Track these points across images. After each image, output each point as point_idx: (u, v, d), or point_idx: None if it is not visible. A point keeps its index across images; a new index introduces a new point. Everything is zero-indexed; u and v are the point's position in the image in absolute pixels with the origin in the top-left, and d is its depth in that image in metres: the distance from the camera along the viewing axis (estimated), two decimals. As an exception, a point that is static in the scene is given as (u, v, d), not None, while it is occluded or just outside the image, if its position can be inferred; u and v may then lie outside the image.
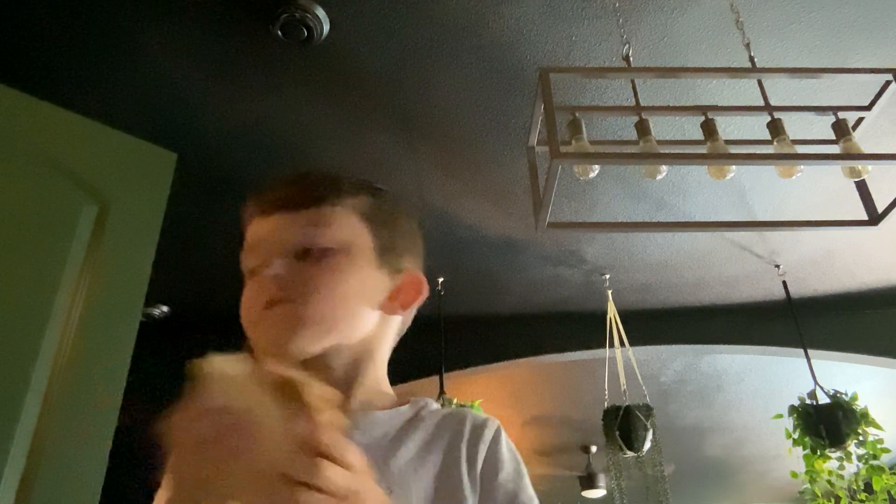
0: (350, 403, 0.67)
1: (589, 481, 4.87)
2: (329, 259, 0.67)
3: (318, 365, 0.66)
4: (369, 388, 0.70)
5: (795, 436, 2.63)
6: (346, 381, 0.68)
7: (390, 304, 0.72)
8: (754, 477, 5.76)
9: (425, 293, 0.76)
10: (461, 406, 2.56)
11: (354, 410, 0.66)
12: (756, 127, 1.80)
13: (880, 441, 2.56)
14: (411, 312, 0.77)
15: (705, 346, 3.24)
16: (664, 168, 1.33)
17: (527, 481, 0.71)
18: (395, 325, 0.75)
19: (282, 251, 0.67)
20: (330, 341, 0.67)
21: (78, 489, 1.30)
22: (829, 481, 2.63)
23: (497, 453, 0.70)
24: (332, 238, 0.68)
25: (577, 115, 1.37)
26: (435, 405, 0.74)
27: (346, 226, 0.70)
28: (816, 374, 2.70)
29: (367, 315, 0.70)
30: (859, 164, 1.31)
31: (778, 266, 2.87)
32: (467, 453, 0.68)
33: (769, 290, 3.03)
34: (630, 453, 2.63)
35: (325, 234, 0.68)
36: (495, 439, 0.70)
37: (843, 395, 2.61)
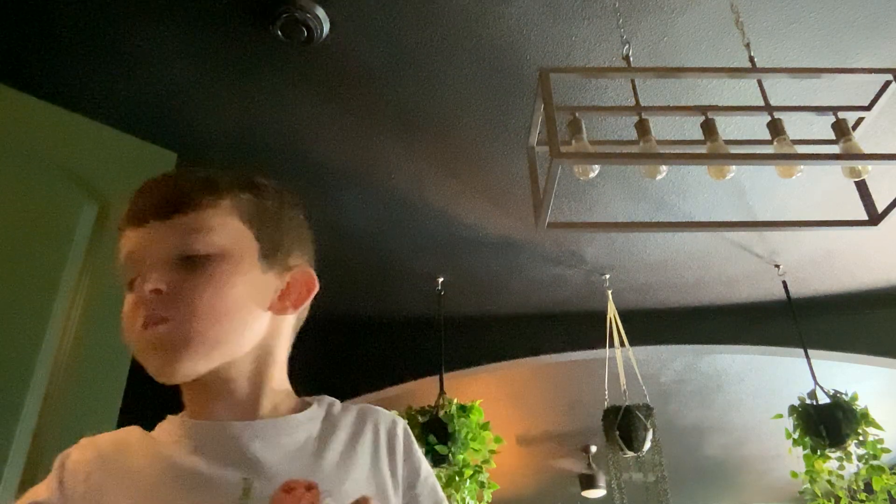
0: (260, 410, 0.66)
1: (589, 481, 4.86)
2: (209, 267, 0.62)
3: (217, 381, 0.64)
4: (276, 392, 0.68)
5: (795, 436, 2.63)
6: (251, 389, 0.66)
7: (281, 305, 0.69)
8: (754, 477, 5.76)
9: (316, 288, 0.72)
10: (451, 402, 2.56)
11: (266, 417, 0.65)
12: (756, 127, 1.80)
13: (880, 441, 2.56)
14: (305, 308, 0.74)
15: (705, 346, 3.24)
16: (664, 168, 1.33)
17: (433, 476, 0.74)
18: (291, 323, 0.72)
19: (157, 262, 0.62)
20: (220, 358, 0.63)
21: (78, 489, 1.30)
22: (829, 481, 2.62)
23: (414, 451, 0.72)
24: (212, 244, 0.63)
25: (577, 115, 1.37)
26: (338, 403, 0.73)
27: (226, 229, 0.65)
28: (816, 374, 2.70)
29: (257, 320, 0.66)
30: (859, 164, 1.31)
31: (778, 266, 2.87)
32: (388, 452, 0.69)
33: (769, 290, 3.03)
34: (630, 453, 2.63)
35: (204, 240, 0.63)
36: (407, 436, 0.72)
37: (843, 395, 2.61)
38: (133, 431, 0.67)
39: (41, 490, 0.62)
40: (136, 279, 0.62)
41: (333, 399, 0.73)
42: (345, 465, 0.65)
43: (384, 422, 0.72)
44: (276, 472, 0.60)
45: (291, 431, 0.65)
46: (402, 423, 0.73)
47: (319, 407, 0.70)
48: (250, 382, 0.66)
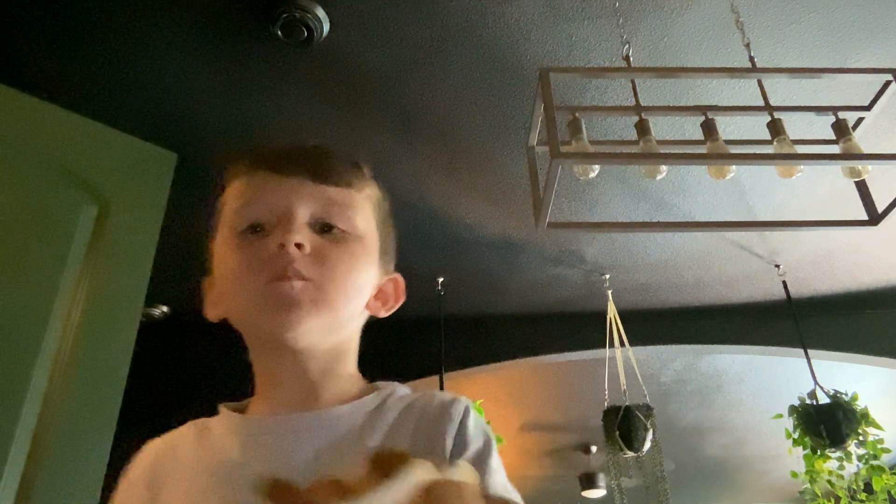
0: (320, 401, 0.64)
1: (589, 481, 4.87)
2: (349, 244, 0.64)
3: (292, 364, 0.64)
4: (340, 382, 0.67)
5: (795, 436, 2.63)
6: (321, 376, 0.65)
7: (375, 305, 0.70)
8: (754, 477, 5.76)
9: (404, 297, 0.74)
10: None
11: (321, 408, 0.64)
12: (756, 127, 1.80)
13: (880, 441, 2.56)
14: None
15: (705, 346, 3.24)
16: (664, 168, 1.33)
17: (493, 461, 0.63)
18: (364, 319, 0.72)
19: (301, 220, 0.62)
20: (331, 338, 0.64)
21: (78, 489, 1.30)
22: (829, 481, 2.63)
23: (464, 435, 0.63)
24: (355, 223, 0.65)
25: (577, 115, 1.37)
26: (403, 390, 0.69)
27: (366, 215, 0.68)
28: (816, 374, 2.70)
29: (362, 312, 0.68)
30: (859, 164, 1.31)
31: (778, 266, 2.87)
32: (433, 437, 0.62)
33: (769, 290, 3.03)
34: (630, 453, 2.63)
35: (349, 217, 0.65)
36: (462, 421, 0.64)
37: (843, 395, 2.61)
38: (191, 427, 0.67)
39: None
40: (272, 226, 0.62)
41: (398, 386, 0.69)
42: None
43: (435, 408, 0.64)
44: (306, 470, 0.58)
45: (330, 425, 0.63)
46: (458, 407, 0.64)
47: (377, 396, 0.66)
48: (323, 370, 0.65)
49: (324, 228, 0.63)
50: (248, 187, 0.66)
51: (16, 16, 1.61)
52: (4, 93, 1.47)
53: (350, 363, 0.69)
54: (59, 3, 1.59)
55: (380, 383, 0.70)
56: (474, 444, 0.64)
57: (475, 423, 0.65)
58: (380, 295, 0.70)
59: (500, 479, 0.63)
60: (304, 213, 0.63)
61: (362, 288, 0.66)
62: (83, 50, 1.71)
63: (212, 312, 0.69)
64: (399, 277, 0.74)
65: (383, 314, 0.72)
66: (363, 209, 0.67)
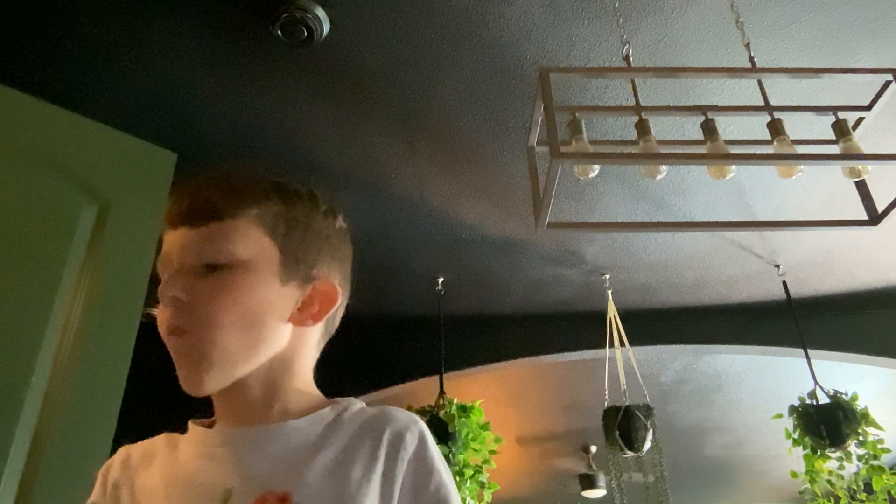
0: (270, 416, 0.66)
1: (589, 481, 4.87)
2: (228, 277, 0.64)
3: (235, 388, 0.66)
4: (293, 398, 0.69)
5: (795, 436, 2.63)
6: (264, 396, 0.67)
7: (301, 317, 0.69)
8: (754, 477, 5.76)
9: (339, 301, 0.72)
10: (451, 402, 2.56)
11: (273, 421, 0.66)
12: (756, 127, 1.80)
13: (880, 441, 2.55)
14: (333, 318, 0.74)
15: (705, 346, 3.24)
16: (664, 168, 1.33)
17: (451, 489, 0.66)
18: (316, 333, 0.73)
19: (183, 269, 0.65)
20: (241, 369, 0.65)
21: (78, 489, 1.30)
22: (829, 481, 2.62)
23: (425, 459, 0.66)
24: (232, 255, 0.64)
25: (577, 115, 1.37)
26: (359, 405, 0.70)
27: (247, 240, 0.66)
28: (816, 374, 2.70)
29: (275, 332, 0.67)
30: (859, 164, 1.31)
31: (778, 266, 2.87)
32: (385, 461, 0.64)
33: (769, 290, 3.03)
34: (630, 453, 2.63)
35: (224, 250, 0.64)
36: (421, 443, 0.66)
37: (843, 395, 2.61)
38: (168, 436, 0.71)
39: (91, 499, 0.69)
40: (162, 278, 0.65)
41: (354, 402, 0.71)
42: (333, 476, 0.62)
43: (391, 428, 0.66)
44: (258, 481, 0.60)
45: (285, 438, 0.64)
46: (414, 430, 0.67)
47: (332, 410, 0.68)
48: (263, 389, 0.67)
49: (209, 269, 0.64)
50: (161, 249, 0.69)
51: (16, 16, 1.61)
52: (4, 93, 1.47)
53: (297, 379, 0.70)
54: (59, 4, 1.59)
55: (337, 399, 0.71)
56: (435, 479, 0.65)
57: (432, 455, 0.67)
58: (304, 306, 0.69)
59: None
60: (187, 262, 0.65)
61: (253, 312, 0.65)
62: (83, 50, 1.71)
63: None
64: (323, 282, 0.71)
65: (311, 324, 0.70)
66: (244, 233, 0.66)
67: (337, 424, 0.67)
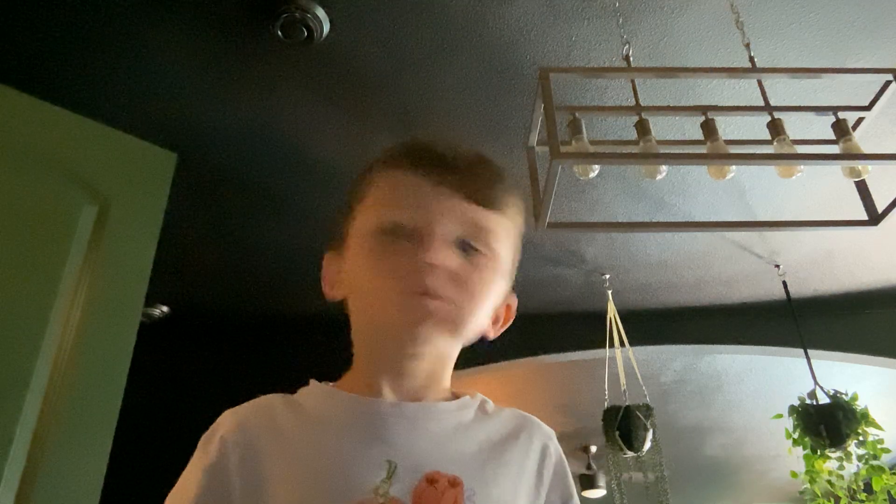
0: (423, 396, 0.66)
1: (589, 481, 4.87)
2: (488, 270, 0.65)
3: (406, 363, 0.66)
4: (439, 389, 0.69)
5: (795, 436, 2.63)
6: (430, 377, 0.67)
7: (492, 326, 0.72)
8: (754, 477, 5.76)
9: (513, 318, 0.75)
10: None
11: (426, 400, 0.65)
12: (756, 127, 1.80)
13: (880, 441, 2.56)
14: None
15: (705, 346, 3.24)
16: (664, 168, 1.33)
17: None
18: None
19: (448, 236, 0.63)
20: (452, 350, 0.68)
21: (78, 489, 1.30)
22: (829, 481, 2.63)
23: (566, 477, 0.68)
24: (497, 250, 0.66)
25: (577, 115, 1.37)
26: (490, 401, 0.72)
27: (507, 240, 0.68)
28: (816, 374, 2.70)
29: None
30: (859, 164, 1.31)
31: (778, 266, 2.87)
32: (536, 470, 0.65)
33: (769, 290, 3.03)
34: (630, 453, 2.63)
35: (495, 243, 0.66)
36: (560, 459, 0.69)
37: (843, 395, 2.61)
38: (274, 398, 0.66)
39: (193, 478, 0.60)
40: (422, 238, 0.62)
41: (485, 397, 0.72)
42: (493, 466, 0.62)
43: (539, 436, 0.68)
44: (420, 458, 0.58)
45: (441, 418, 0.64)
46: (556, 442, 0.70)
47: (473, 399, 0.69)
48: (432, 370, 0.67)
49: (466, 248, 0.64)
50: (398, 186, 0.66)
51: (16, 16, 1.61)
52: (4, 93, 1.47)
53: (448, 374, 0.70)
54: (59, 4, 1.59)
55: (464, 391, 0.72)
56: (575, 500, 0.68)
57: (567, 463, 0.69)
58: (496, 316, 0.71)
59: None
60: (451, 230, 0.63)
61: (489, 311, 0.68)
62: (83, 50, 1.71)
63: (331, 292, 0.71)
64: (513, 299, 0.74)
65: (492, 335, 0.72)
66: (508, 236, 0.68)
67: (484, 415, 0.68)
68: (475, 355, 2.96)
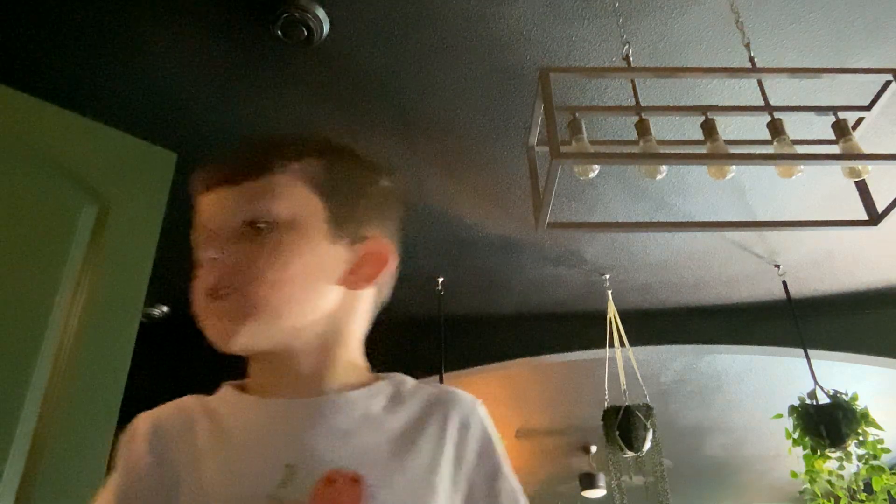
0: (325, 388, 0.62)
1: (589, 481, 4.87)
2: (274, 236, 0.60)
3: (281, 355, 0.62)
4: (345, 369, 0.65)
5: (795, 436, 2.63)
6: (317, 366, 0.63)
7: (352, 279, 0.65)
8: (754, 477, 5.76)
9: (392, 263, 0.69)
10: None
11: (329, 392, 0.62)
12: (756, 127, 1.79)
13: (880, 441, 2.56)
14: (385, 283, 0.70)
15: (705, 346, 3.24)
16: (664, 168, 1.33)
17: (511, 474, 0.65)
18: (367, 299, 0.69)
19: (223, 230, 0.61)
20: (283, 330, 0.61)
21: (78, 489, 1.30)
22: (829, 481, 2.63)
23: (491, 448, 0.64)
24: (277, 210, 0.61)
25: (577, 115, 1.37)
26: (412, 381, 0.67)
27: (293, 195, 0.62)
28: (816, 374, 2.70)
29: (324, 294, 0.63)
30: (859, 164, 1.31)
31: (778, 266, 2.87)
32: (455, 448, 0.62)
33: (769, 290, 3.03)
34: (630, 453, 2.63)
35: (269, 206, 0.61)
36: (484, 431, 0.64)
37: (843, 395, 2.61)
38: (191, 401, 0.64)
39: (112, 482, 0.60)
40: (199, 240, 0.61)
41: (407, 377, 0.68)
42: (400, 456, 0.59)
43: (458, 411, 0.64)
44: (321, 457, 0.56)
45: (347, 410, 0.60)
46: (480, 414, 0.65)
47: (388, 384, 0.65)
48: (315, 358, 0.63)
49: (250, 228, 0.61)
50: (196, 212, 0.65)
51: (16, 16, 1.61)
52: (4, 93, 1.46)
53: (348, 349, 0.66)
54: (59, 4, 1.59)
55: (388, 374, 0.68)
56: (504, 469, 0.64)
57: (495, 436, 0.65)
58: (355, 267, 0.65)
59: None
60: (226, 223, 0.61)
61: (302, 272, 0.61)
62: (83, 50, 1.71)
63: None
64: (377, 240, 0.68)
65: (363, 287, 0.66)
66: (287, 189, 0.62)
67: (398, 399, 0.64)
68: (475, 355, 2.95)
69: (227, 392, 0.65)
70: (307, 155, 0.66)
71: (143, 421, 0.63)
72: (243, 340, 0.60)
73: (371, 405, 0.62)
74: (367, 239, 0.67)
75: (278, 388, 0.62)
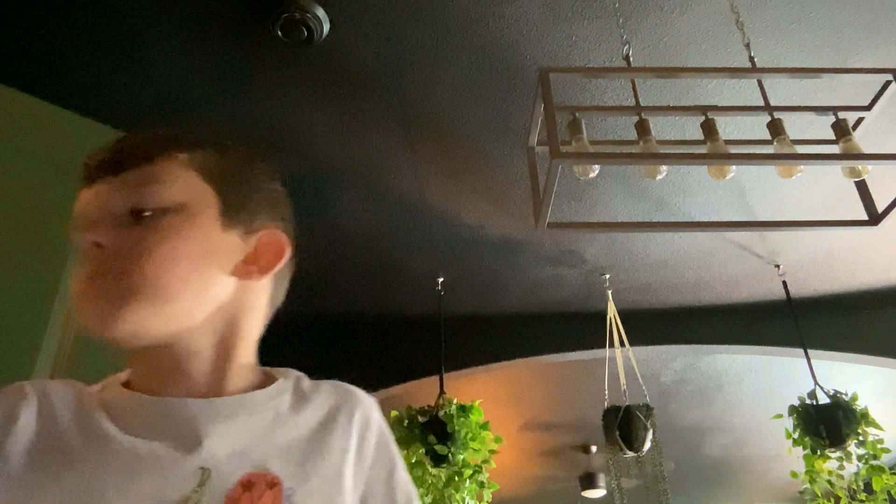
0: (225, 389, 0.59)
1: (589, 481, 4.87)
2: (161, 221, 0.57)
3: (174, 353, 0.58)
4: (243, 369, 0.62)
5: (795, 436, 2.63)
6: (214, 365, 0.60)
7: (245, 269, 0.62)
8: (754, 477, 5.76)
9: (287, 253, 0.65)
10: (451, 402, 2.56)
11: (234, 392, 0.59)
12: (756, 127, 1.79)
13: (880, 441, 2.56)
14: (281, 278, 0.67)
15: (705, 346, 3.24)
16: (664, 168, 1.33)
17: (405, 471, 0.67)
18: (263, 294, 0.65)
19: (106, 219, 0.57)
20: (173, 318, 0.57)
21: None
22: (829, 481, 2.62)
23: (389, 443, 0.65)
24: (164, 197, 0.58)
25: (577, 115, 1.37)
26: (306, 378, 0.66)
27: (181, 182, 0.59)
28: (816, 374, 2.70)
29: (216, 283, 0.60)
30: (859, 164, 1.31)
31: (778, 266, 2.87)
32: (358, 443, 0.62)
33: (769, 290, 3.03)
34: (630, 453, 2.63)
35: (155, 192, 0.58)
36: (381, 429, 0.65)
37: (843, 395, 2.61)
38: (77, 391, 0.59)
39: None
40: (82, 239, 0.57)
41: (301, 374, 0.67)
42: (313, 456, 0.58)
43: (359, 410, 0.64)
44: (237, 460, 0.54)
45: (256, 410, 0.59)
46: (377, 412, 0.66)
47: (286, 381, 0.64)
48: (212, 357, 0.60)
49: (137, 216, 0.57)
50: (75, 205, 0.61)
51: (16, 16, 1.61)
52: (4, 92, 1.47)
53: (246, 344, 0.63)
54: (59, 4, 1.59)
55: (276, 368, 0.66)
56: (399, 462, 0.65)
57: (390, 433, 0.66)
58: (249, 257, 0.63)
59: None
60: (109, 212, 0.58)
61: (191, 256, 0.58)
62: (84, 50, 1.71)
63: None
64: (272, 231, 0.65)
65: (257, 277, 0.63)
66: (174, 174, 0.59)
67: (302, 397, 0.63)
68: (475, 355, 2.95)
69: (116, 388, 0.60)
70: (199, 146, 0.63)
71: (32, 383, 0.57)
72: (127, 327, 0.54)
73: (280, 404, 0.61)
74: (262, 230, 0.64)
75: (169, 388, 0.58)
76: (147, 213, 0.57)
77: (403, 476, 0.65)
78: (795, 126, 1.45)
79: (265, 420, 0.59)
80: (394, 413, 2.57)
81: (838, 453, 2.57)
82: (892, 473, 2.58)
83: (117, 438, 0.53)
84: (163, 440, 0.54)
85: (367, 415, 0.65)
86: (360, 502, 0.61)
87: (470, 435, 2.49)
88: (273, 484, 0.51)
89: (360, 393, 0.67)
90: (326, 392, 0.65)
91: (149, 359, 0.59)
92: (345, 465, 0.60)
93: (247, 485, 0.51)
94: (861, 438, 2.53)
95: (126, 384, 0.60)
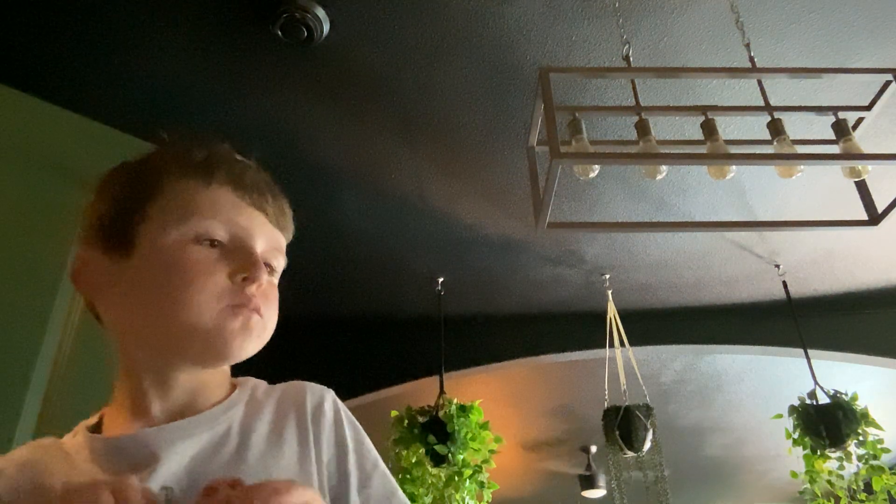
0: (195, 404, 0.65)
1: (589, 481, 4.86)
2: (275, 284, 0.69)
3: (194, 378, 0.66)
4: (209, 389, 0.67)
5: (795, 436, 2.63)
6: (199, 384, 0.66)
7: None
8: (754, 477, 5.76)
9: None
10: (451, 402, 2.56)
11: (206, 408, 0.65)
12: (756, 127, 1.80)
13: (880, 441, 2.55)
14: None
15: (705, 346, 3.24)
16: (664, 168, 1.33)
17: (370, 447, 0.70)
18: None
19: (279, 252, 0.69)
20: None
21: (78, 489, 1.30)
22: (829, 481, 2.62)
23: (342, 424, 0.68)
24: (282, 265, 0.70)
25: (577, 115, 1.37)
26: (264, 384, 0.72)
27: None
28: (816, 374, 2.70)
29: None
30: (859, 164, 1.31)
31: (778, 266, 2.87)
32: (313, 430, 0.66)
33: (769, 290, 3.03)
34: (630, 453, 2.63)
35: (281, 260, 0.70)
36: (337, 410, 0.69)
37: (843, 395, 2.61)
38: (43, 447, 0.64)
39: None
40: (236, 254, 0.63)
41: (259, 381, 0.72)
42: (271, 454, 0.62)
43: (310, 398, 0.68)
44: (196, 474, 0.58)
45: (210, 426, 0.63)
46: (330, 397, 0.70)
47: (242, 391, 0.69)
48: (197, 386, 0.66)
49: (270, 270, 0.68)
50: (216, 201, 0.66)
51: (16, 16, 1.61)
52: (4, 93, 1.46)
53: (213, 382, 0.69)
54: (60, 4, 1.59)
55: (238, 378, 0.71)
56: (355, 443, 0.68)
57: (349, 421, 0.69)
58: None
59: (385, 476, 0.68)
60: (265, 255, 0.67)
61: None
62: (83, 50, 1.71)
63: (90, 294, 0.69)
64: None
65: None
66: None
67: (255, 403, 0.68)
68: (475, 355, 2.94)
69: (82, 436, 0.65)
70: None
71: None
72: (244, 357, 0.64)
73: (233, 415, 0.65)
74: None
75: (144, 412, 0.64)
76: (273, 271, 0.68)
77: (372, 453, 0.69)
78: (795, 126, 1.45)
79: (219, 434, 0.63)
80: (394, 413, 2.57)
81: (838, 453, 2.57)
82: (892, 473, 2.58)
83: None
84: (123, 472, 0.57)
85: (316, 403, 0.68)
86: (330, 488, 0.64)
87: (470, 435, 2.49)
88: (235, 485, 0.53)
89: (310, 385, 0.71)
90: (279, 393, 0.70)
91: (142, 382, 0.67)
92: (307, 452, 0.64)
93: (209, 491, 0.53)
94: (861, 438, 2.53)
95: (99, 423, 0.68)
